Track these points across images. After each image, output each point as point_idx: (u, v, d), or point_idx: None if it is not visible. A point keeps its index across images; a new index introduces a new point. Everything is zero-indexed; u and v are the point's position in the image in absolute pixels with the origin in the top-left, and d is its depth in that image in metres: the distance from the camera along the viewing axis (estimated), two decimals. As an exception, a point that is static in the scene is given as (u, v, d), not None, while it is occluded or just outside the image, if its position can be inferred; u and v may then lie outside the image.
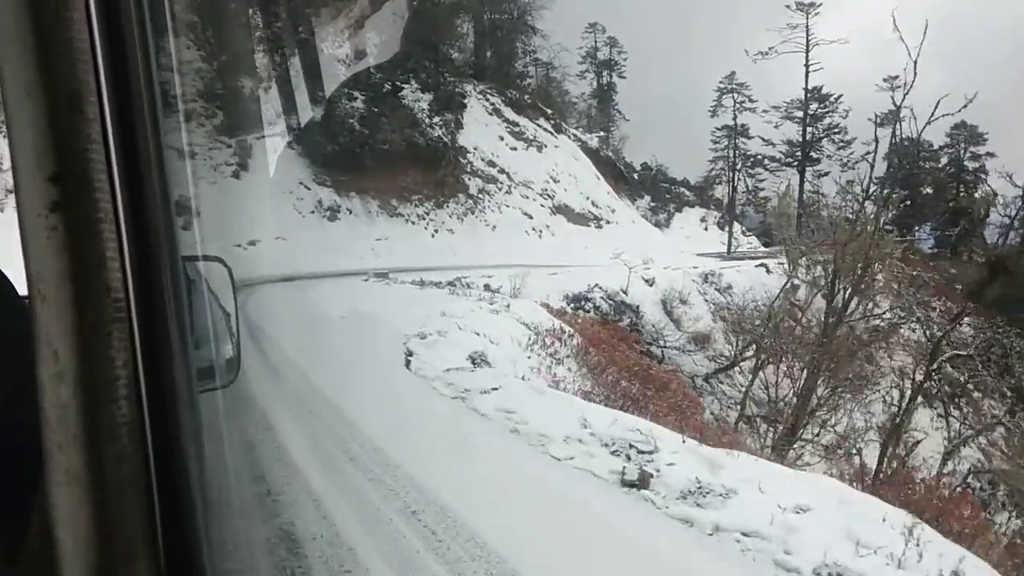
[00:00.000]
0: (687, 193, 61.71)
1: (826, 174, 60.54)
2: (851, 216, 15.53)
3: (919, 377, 15.50)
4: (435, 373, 8.92)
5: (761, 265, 30.84)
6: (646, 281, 26.63)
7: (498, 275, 23.88)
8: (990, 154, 57.17)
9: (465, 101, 35.74)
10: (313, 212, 28.21)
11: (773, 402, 14.86)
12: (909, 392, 15.10)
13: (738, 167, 65.88)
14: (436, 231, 31.41)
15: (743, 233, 62.06)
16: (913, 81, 15.91)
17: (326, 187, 29.56)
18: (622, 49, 61.82)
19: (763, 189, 66.10)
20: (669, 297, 26.26)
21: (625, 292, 25.57)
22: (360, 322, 12.59)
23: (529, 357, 11.00)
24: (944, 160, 60.06)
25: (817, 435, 13.71)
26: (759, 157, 63.83)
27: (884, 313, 17.85)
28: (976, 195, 55.87)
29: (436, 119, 32.98)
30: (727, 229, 59.68)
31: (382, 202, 30.91)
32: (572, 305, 23.54)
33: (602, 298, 24.68)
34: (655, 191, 57.16)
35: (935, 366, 14.90)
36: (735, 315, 26.72)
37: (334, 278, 20.99)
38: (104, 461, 0.68)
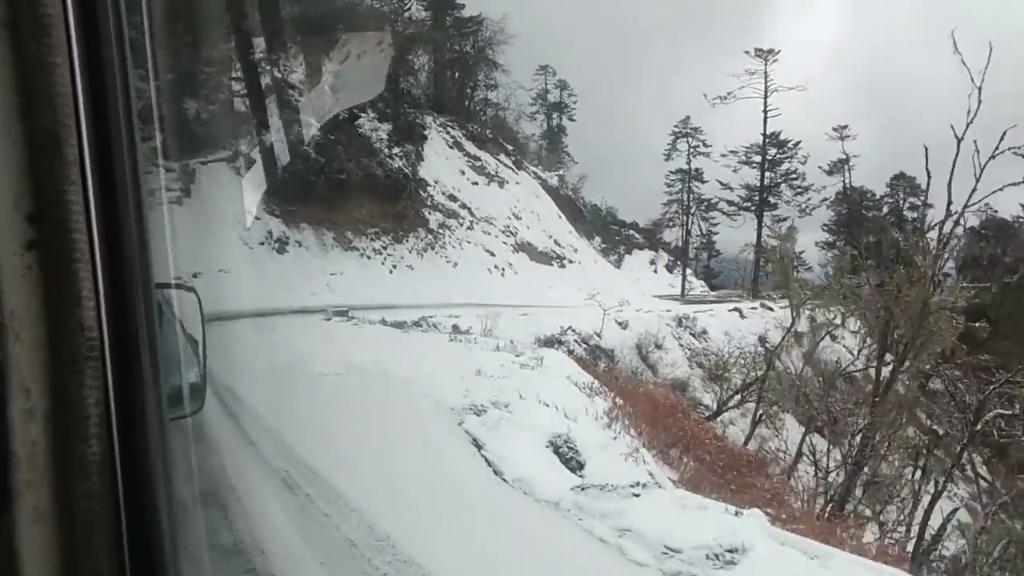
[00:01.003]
0: (636, 236, 61.58)
1: (785, 219, 61.55)
2: (915, 259, 14.21)
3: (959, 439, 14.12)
4: (556, 491, 6.27)
5: (735, 310, 30.06)
6: (620, 324, 25.45)
7: (465, 315, 22.34)
8: (929, 205, 58.80)
9: (426, 133, 34.44)
10: (262, 243, 26.28)
11: (823, 471, 13.32)
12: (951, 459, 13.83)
13: (692, 211, 66.36)
14: (395, 266, 29.72)
15: (695, 276, 62.28)
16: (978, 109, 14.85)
17: (276, 217, 27.67)
18: (572, 92, 61.95)
19: (716, 233, 67.02)
20: (644, 341, 25.10)
21: (599, 335, 24.32)
22: (368, 383, 9.76)
23: (614, 438, 8.89)
24: (885, 209, 61.72)
25: (879, 512, 12.27)
26: (714, 201, 64.43)
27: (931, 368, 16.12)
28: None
29: (396, 150, 31.56)
30: (681, 272, 59.87)
31: (337, 234, 29.13)
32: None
33: (576, 341, 23.36)
34: (605, 233, 56.90)
35: (979, 427, 13.73)
36: (712, 361, 25.73)
37: (287, 315, 19.12)
38: (73, 499, 0.69)
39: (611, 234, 57.78)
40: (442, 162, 36.04)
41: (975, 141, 15.25)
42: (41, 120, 0.67)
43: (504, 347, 13.48)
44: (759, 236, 60.00)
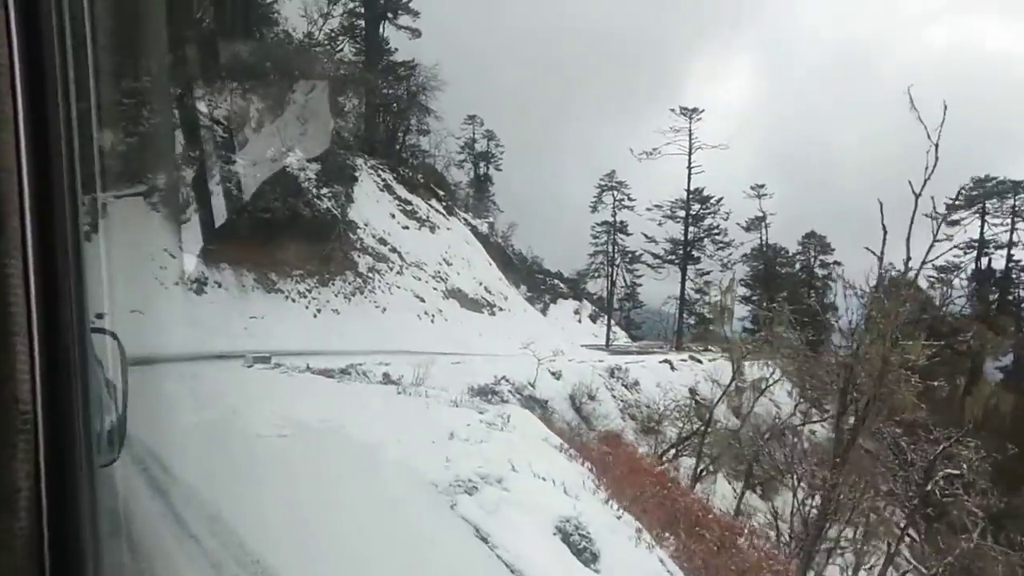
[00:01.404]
0: (561, 285, 62.20)
1: (707, 273, 63.21)
2: (874, 315, 14.14)
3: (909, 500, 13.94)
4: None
5: (665, 361, 30.12)
6: (553, 374, 24.97)
7: (396, 362, 21.43)
8: (837, 262, 62.17)
9: (356, 174, 33.71)
10: (178, 284, 24.74)
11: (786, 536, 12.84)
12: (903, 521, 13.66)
13: (617, 262, 67.52)
14: (319, 310, 28.55)
15: (619, 326, 62.98)
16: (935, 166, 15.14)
17: (193, 256, 26.21)
18: (499, 143, 62.65)
19: (640, 285, 68.24)
20: (578, 392, 24.68)
21: (533, 385, 23.77)
22: (323, 449, 8.40)
23: (619, 518, 8.01)
24: (797, 266, 64.51)
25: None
26: (638, 253, 65.71)
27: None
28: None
29: (325, 190, 30.67)
30: (604, 322, 60.51)
31: (259, 276, 27.84)
32: (478, 398, 21.40)
33: (509, 391, 22.69)
34: (531, 281, 57.18)
35: (929, 487, 13.59)
36: (645, 413, 25.52)
37: (204, 361, 17.83)
38: None
39: (536, 283, 58.12)
40: (372, 205, 35.30)
41: (932, 197, 15.66)
42: None
43: (462, 402, 12.52)
44: (683, 289, 61.55)
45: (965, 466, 13.26)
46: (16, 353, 0.68)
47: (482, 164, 63.09)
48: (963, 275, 45.76)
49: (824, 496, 12.35)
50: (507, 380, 22.96)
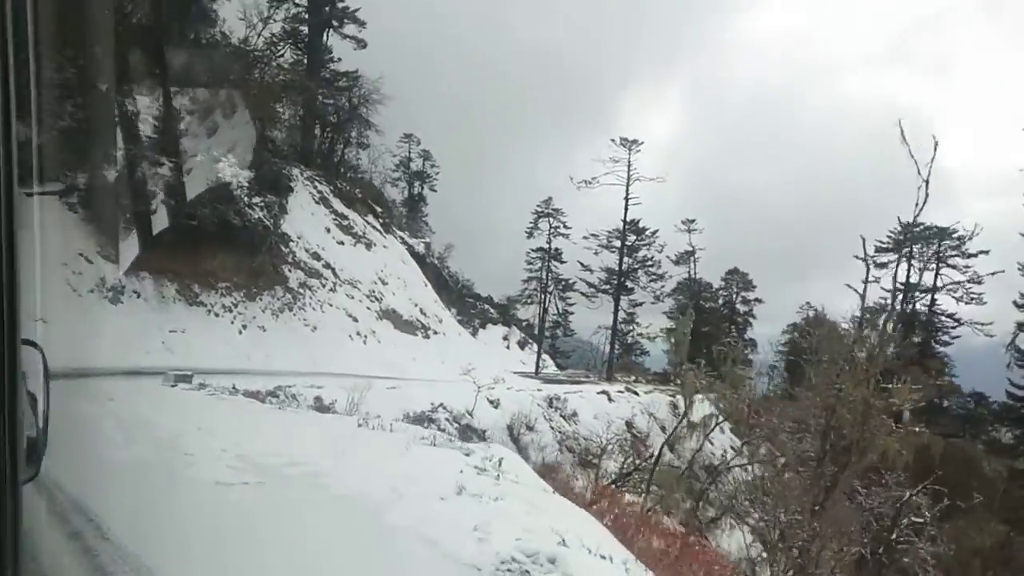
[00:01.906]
0: (491, 310, 61.77)
1: (640, 304, 63.91)
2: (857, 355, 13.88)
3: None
4: None
5: (603, 392, 29.89)
6: (491, 403, 24.34)
7: (328, 385, 20.41)
8: (758, 300, 64.08)
9: (292, 184, 32.52)
10: (93, 291, 23.10)
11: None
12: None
13: (550, 289, 67.60)
14: (245, 326, 27.18)
15: (547, 354, 62.79)
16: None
17: (112, 262, 24.56)
18: (435, 163, 62.15)
19: (572, 313, 68.46)
20: (516, 422, 24.09)
21: (471, 414, 23.05)
22: (303, 507, 7.04)
23: None
24: (720, 301, 66.23)
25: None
26: (572, 281, 65.91)
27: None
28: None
29: (257, 199, 29.41)
30: (534, 349, 60.36)
31: (181, 287, 26.34)
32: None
33: (447, 419, 21.94)
34: (461, 305, 56.60)
35: (895, 536, 13.40)
36: (583, 445, 25.11)
37: (117, 377, 16.48)
38: None
39: (467, 307, 57.50)
40: (307, 217, 34.12)
41: (863, 237, 15.81)
42: None
43: (439, 440, 11.34)
44: (615, 319, 61.94)
45: (928, 514, 13.28)
46: None
47: (417, 183, 62.37)
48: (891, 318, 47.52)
49: (802, 547, 11.91)
50: (444, 407, 22.19)
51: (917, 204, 15.60)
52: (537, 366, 54.01)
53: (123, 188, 25.89)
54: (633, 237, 61.46)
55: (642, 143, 60.57)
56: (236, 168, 30.60)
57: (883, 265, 48.77)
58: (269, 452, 8.81)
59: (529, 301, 67.12)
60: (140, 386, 15.27)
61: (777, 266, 75.34)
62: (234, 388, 17.40)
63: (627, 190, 60.50)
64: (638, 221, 61.20)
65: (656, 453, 19.19)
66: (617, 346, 66.50)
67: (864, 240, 15.78)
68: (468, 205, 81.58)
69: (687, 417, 19.92)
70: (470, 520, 6.60)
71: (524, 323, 65.81)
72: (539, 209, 66.62)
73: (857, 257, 50.97)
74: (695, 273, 66.09)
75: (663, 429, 29.68)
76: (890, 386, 13.71)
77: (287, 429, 11.51)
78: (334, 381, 21.80)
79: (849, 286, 16.08)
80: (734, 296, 66.18)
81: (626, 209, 60.99)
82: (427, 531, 6.22)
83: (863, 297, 15.09)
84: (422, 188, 62.62)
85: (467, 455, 9.98)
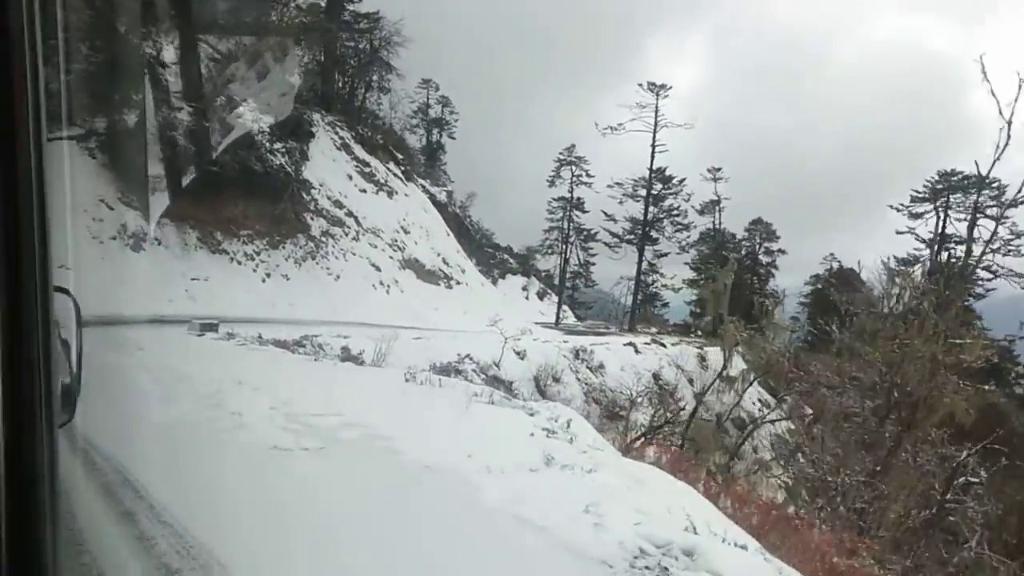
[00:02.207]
0: (510, 260, 61.11)
1: (665, 254, 63.11)
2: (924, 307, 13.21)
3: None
4: None
5: (629, 344, 29.53)
6: (518, 354, 24.12)
7: (355, 336, 20.23)
8: (781, 251, 62.97)
9: (313, 130, 31.94)
10: (115, 238, 22.93)
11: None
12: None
13: (571, 239, 66.83)
14: (268, 275, 26.99)
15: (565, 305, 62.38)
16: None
17: (133, 209, 24.34)
18: (454, 109, 60.74)
19: (594, 264, 67.73)
20: (542, 374, 23.87)
21: (498, 365, 22.87)
22: (379, 478, 6.19)
23: None
24: (743, 252, 65.17)
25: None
26: (594, 231, 65.03)
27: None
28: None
29: (278, 145, 28.91)
30: (554, 300, 60.03)
31: (203, 234, 26.10)
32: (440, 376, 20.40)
33: (474, 371, 21.77)
34: (480, 255, 56.06)
35: (948, 496, 12.92)
36: (609, 397, 24.90)
37: (141, 326, 16.35)
38: None
39: (486, 257, 56.91)
40: (328, 164, 33.59)
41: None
42: None
43: (497, 399, 10.24)
44: (639, 269, 61.28)
45: (983, 473, 12.80)
46: None
47: (435, 131, 61.21)
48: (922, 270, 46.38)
49: (863, 509, 11.38)
50: (471, 359, 22.03)
51: (997, 147, 14.77)
52: (557, 317, 53.73)
53: (142, 134, 25.54)
54: (659, 186, 60.32)
55: (670, 88, 59.05)
56: (257, 114, 30.13)
57: (918, 215, 47.56)
58: (320, 411, 8.14)
59: (550, 251, 66.33)
60: (167, 335, 15.10)
61: (798, 216, 74.08)
62: (260, 337, 17.25)
63: (654, 137, 59.21)
64: (664, 169, 60.11)
65: (694, 406, 18.77)
66: (639, 297, 66.25)
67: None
68: (487, 153, 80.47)
69: (726, 370, 19.44)
70: (574, 498, 5.74)
71: (543, 274, 65.14)
72: (561, 157, 65.46)
73: (892, 207, 50.00)
74: (720, 223, 65.01)
75: (691, 382, 29.40)
76: (960, 342, 13.10)
77: (329, 383, 10.90)
78: (359, 331, 21.64)
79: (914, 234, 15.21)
80: (757, 247, 64.88)
81: (652, 156, 59.77)
82: (530, 513, 5.39)
83: (940, 243, 14.34)
84: (440, 136, 61.56)
85: (531, 415, 9.23)
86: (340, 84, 40.66)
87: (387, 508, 5.40)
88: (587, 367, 26.28)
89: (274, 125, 29.72)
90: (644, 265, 61.53)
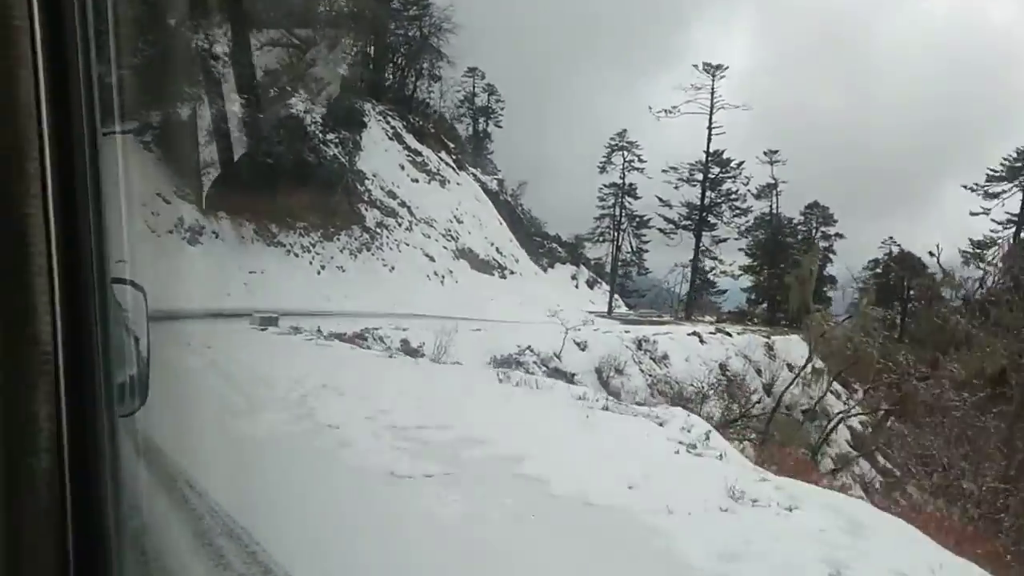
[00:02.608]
0: (559, 249, 60.14)
1: (724, 240, 61.52)
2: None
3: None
4: None
5: (693, 334, 28.61)
6: (578, 345, 23.45)
7: (413, 327, 19.87)
8: (839, 235, 60.75)
9: (365, 120, 31.69)
10: (172, 232, 22.97)
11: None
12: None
13: (623, 226, 65.69)
14: (323, 267, 26.85)
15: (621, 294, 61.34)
16: None
17: (189, 202, 24.39)
18: (500, 97, 59.71)
19: (647, 251, 66.40)
20: (605, 365, 23.16)
21: (559, 357, 22.25)
22: (528, 527, 4.81)
23: None
24: (799, 237, 63.07)
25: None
26: (647, 217, 63.69)
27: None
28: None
29: (331, 136, 28.68)
30: (602, 288, 59.11)
31: (259, 227, 26.06)
32: (502, 371, 19.91)
33: (535, 363, 21.21)
34: (529, 245, 55.29)
35: None
36: (675, 390, 24.06)
37: (203, 320, 16.19)
38: (22, 516, 0.70)
39: (534, 245, 56.12)
40: (381, 154, 33.33)
41: None
42: (3, 133, 0.67)
43: (612, 405, 8.91)
44: (696, 255, 59.87)
45: None
46: (36, 292, 0.69)
47: (481, 120, 60.45)
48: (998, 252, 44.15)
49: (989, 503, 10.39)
50: (531, 350, 21.47)
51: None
52: (610, 306, 52.90)
53: (197, 127, 25.60)
54: (716, 169, 58.80)
55: (727, 68, 57.54)
56: (309, 104, 30.00)
57: (994, 195, 45.24)
58: (424, 421, 7.01)
59: (601, 239, 65.20)
60: (231, 330, 14.81)
61: (855, 198, 71.18)
62: (319, 331, 16.98)
63: (710, 119, 57.84)
64: (722, 152, 58.58)
65: (776, 399, 17.85)
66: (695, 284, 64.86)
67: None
68: (532, 141, 79.37)
69: (811, 363, 18.42)
70: (807, 556, 4.44)
71: (592, 262, 64.09)
72: (612, 142, 64.28)
73: (965, 187, 47.65)
74: (777, 207, 63.01)
75: (758, 372, 28.38)
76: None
77: (419, 385, 9.97)
78: (417, 323, 21.28)
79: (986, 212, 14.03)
80: (813, 231, 62.73)
81: (709, 139, 58.36)
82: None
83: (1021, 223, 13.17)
84: (487, 124, 60.77)
85: (660, 424, 8.08)
86: (390, 73, 40.34)
87: (564, 569, 4.17)
88: (650, 358, 25.46)
89: (326, 115, 29.56)
90: (697, 251, 60.25)
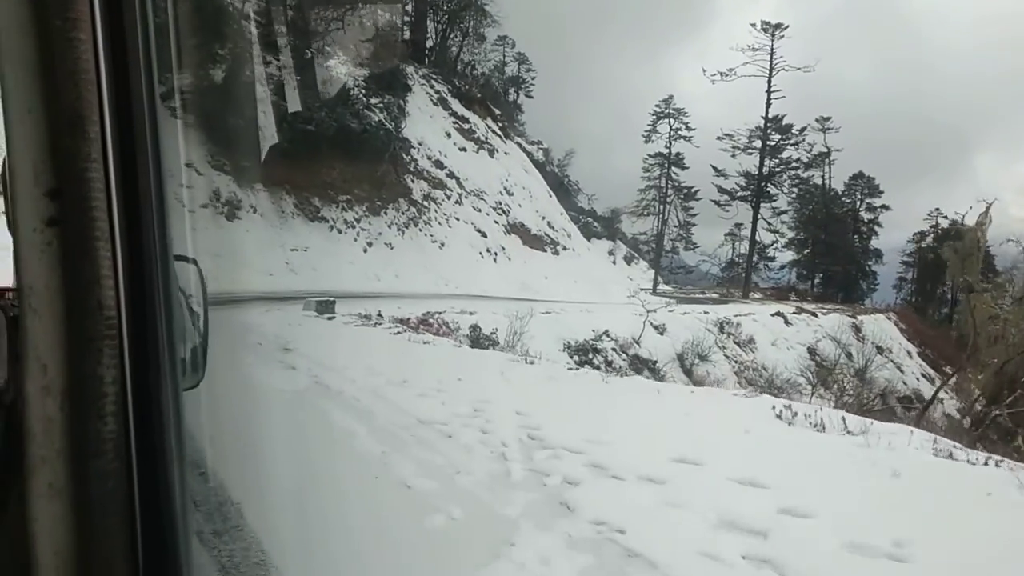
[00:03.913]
0: (595, 224, 57.97)
1: (785, 212, 58.79)
2: None
3: None
4: None
5: (777, 314, 26.47)
6: (655, 328, 21.47)
7: (481, 311, 18.04)
8: (885, 206, 57.71)
9: (409, 83, 29.74)
10: (206, 206, 21.35)
11: None
12: None
13: (670, 198, 63.37)
14: (370, 244, 25.11)
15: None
16: None
17: (225, 174, 22.72)
18: (531, 67, 56.93)
19: (695, 224, 63.82)
20: (688, 351, 21.17)
21: (638, 342, 20.31)
22: None
23: None
24: (844, 208, 60.23)
25: None
26: (694, 189, 61.25)
27: None
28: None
29: (375, 100, 26.79)
30: (655, 264, 57.06)
31: (299, 200, 24.35)
32: (576, 357, 18.04)
33: (613, 350, 19.31)
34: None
35: None
36: (765, 378, 22.01)
37: (250, 304, 14.55)
38: (88, 476, 0.71)
39: (569, 220, 54.05)
40: (426, 120, 31.36)
41: None
42: (64, 97, 0.68)
43: (784, 412, 6.83)
44: (754, 228, 57.26)
45: None
46: (100, 258, 0.71)
47: (512, 90, 57.87)
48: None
49: None
50: (608, 336, 19.55)
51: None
52: (655, 282, 50.91)
53: (231, 90, 23.86)
54: (778, 136, 55.93)
55: (786, 27, 54.45)
56: (351, 65, 28.14)
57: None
58: (571, 443, 5.27)
59: (645, 213, 62.95)
60: (282, 316, 13.07)
61: (899, 169, 68.14)
62: (380, 316, 15.23)
63: (769, 82, 54.91)
64: (781, 117, 55.61)
65: (932, 395, 15.65)
66: (727, 260, 62.45)
67: None
68: (564, 112, 76.85)
69: (975, 350, 16.15)
70: None
71: (628, 237, 61.75)
72: (658, 110, 61.80)
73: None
74: (831, 176, 60.05)
75: (849, 356, 26.21)
76: None
77: (533, 390, 7.94)
78: (477, 305, 19.47)
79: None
80: (857, 203, 59.70)
81: (768, 104, 55.50)
82: None
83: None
84: (517, 95, 58.19)
85: (850, 431, 6.04)
86: (432, 33, 38.15)
87: None
88: (734, 342, 23.44)
89: (368, 78, 27.67)
90: (756, 224, 57.59)
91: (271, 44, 25.74)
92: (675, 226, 63.84)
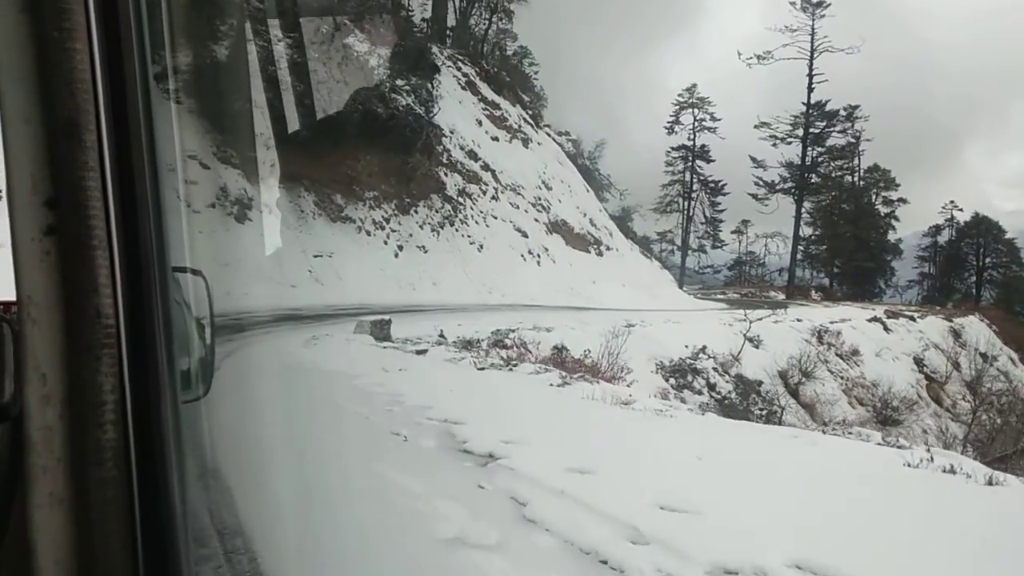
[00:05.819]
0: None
1: (825, 203, 55.81)
2: None
3: None
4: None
5: (875, 320, 23.51)
6: (750, 341, 18.48)
7: (558, 325, 15.08)
8: (903, 200, 55.15)
9: (437, 63, 26.80)
10: (214, 205, 18.42)
11: None
12: None
13: (695, 194, 60.80)
14: (401, 247, 22.15)
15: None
16: None
17: (233, 167, 19.78)
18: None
19: (723, 220, 60.88)
20: (792, 368, 18.18)
21: (738, 359, 17.33)
22: None
23: None
24: (864, 200, 57.77)
25: None
26: (719, 183, 58.57)
27: None
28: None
29: (401, 82, 23.84)
30: (681, 263, 55.14)
31: (320, 198, 21.38)
32: (673, 380, 15.07)
33: (714, 369, 16.35)
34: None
35: None
36: (878, 397, 19.01)
37: (273, 327, 11.66)
38: (88, 485, 0.73)
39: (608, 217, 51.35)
40: (456, 106, 28.35)
41: None
42: (61, 106, 0.70)
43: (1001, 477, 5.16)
44: (797, 223, 54.36)
45: None
46: (98, 267, 0.72)
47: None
48: None
49: None
50: (706, 353, 16.56)
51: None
52: (681, 280, 48.34)
53: (237, 71, 20.92)
54: (822, 123, 52.95)
55: (828, 4, 51.38)
56: (370, 44, 25.22)
57: None
58: None
59: (669, 209, 60.20)
60: (339, 349, 10.00)
61: (913, 162, 65.53)
62: (442, 336, 12.27)
63: (810, 65, 52.07)
64: (825, 103, 52.57)
65: None
66: (760, 257, 59.67)
67: None
68: (570, 106, 73.97)
69: None
70: None
71: (639, 236, 59.26)
72: (680, 99, 59.17)
73: None
74: (859, 166, 57.18)
75: (956, 366, 23.23)
76: None
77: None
78: (544, 318, 16.53)
79: None
80: (873, 196, 57.10)
81: (810, 89, 52.63)
82: None
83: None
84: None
85: None
86: (454, 10, 35.09)
87: None
88: (836, 354, 20.43)
89: (392, 58, 24.74)
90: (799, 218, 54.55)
91: (284, 18, 22.95)
92: (701, 223, 61.30)
